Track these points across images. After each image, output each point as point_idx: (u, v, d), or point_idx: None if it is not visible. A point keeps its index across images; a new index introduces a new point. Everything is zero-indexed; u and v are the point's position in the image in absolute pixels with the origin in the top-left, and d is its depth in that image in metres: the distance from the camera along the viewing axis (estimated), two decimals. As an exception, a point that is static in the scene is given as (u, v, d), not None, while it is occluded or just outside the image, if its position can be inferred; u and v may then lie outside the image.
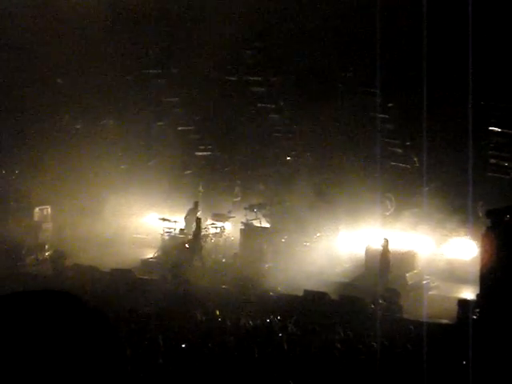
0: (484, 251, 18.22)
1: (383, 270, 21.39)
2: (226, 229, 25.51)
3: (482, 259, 18.18)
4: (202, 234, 24.79)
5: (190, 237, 24.55)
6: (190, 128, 27.54)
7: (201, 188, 26.61)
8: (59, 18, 26.65)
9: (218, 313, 17.77)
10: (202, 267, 23.03)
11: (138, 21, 26.77)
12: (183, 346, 14.07)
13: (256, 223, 24.93)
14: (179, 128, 27.43)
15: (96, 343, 1.95)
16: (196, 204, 25.44)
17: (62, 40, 26.52)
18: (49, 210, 26.83)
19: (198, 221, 24.44)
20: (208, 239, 24.91)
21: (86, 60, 26.93)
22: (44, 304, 1.99)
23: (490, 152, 23.44)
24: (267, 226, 25.04)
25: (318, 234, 23.73)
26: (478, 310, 17.80)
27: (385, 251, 21.65)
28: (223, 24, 24.95)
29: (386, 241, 21.82)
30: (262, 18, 25.33)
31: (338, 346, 15.24)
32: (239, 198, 26.60)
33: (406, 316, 18.77)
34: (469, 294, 20.08)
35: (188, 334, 15.44)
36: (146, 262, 23.87)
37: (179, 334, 15.30)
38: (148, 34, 26.95)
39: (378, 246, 22.84)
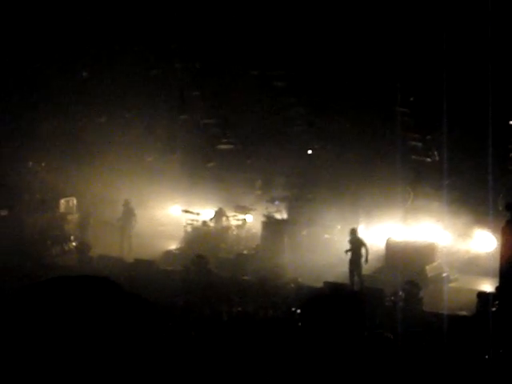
0: (503, 244, 18.30)
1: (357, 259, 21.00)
2: (247, 221, 25.76)
3: (502, 252, 18.26)
4: (224, 225, 25.17)
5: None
6: (212, 122, 27.79)
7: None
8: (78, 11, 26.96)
9: (239, 303, 18.02)
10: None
11: (161, 16, 27.03)
12: (206, 334, 14.33)
13: (277, 216, 25.17)
14: (202, 121, 27.69)
15: (140, 323, 2.17)
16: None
17: (86, 33, 26.85)
18: (74, 201, 27.12)
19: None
20: (230, 231, 25.19)
21: (110, 54, 27.22)
22: (89, 287, 2.20)
23: (511, 146, 23.48)
24: (288, 218, 25.26)
25: (339, 227, 23.89)
26: (497, 303, 17.89)
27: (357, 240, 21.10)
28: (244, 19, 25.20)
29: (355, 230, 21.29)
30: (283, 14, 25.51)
31: (357, 336, 15.42)
32: (261, 191, 26.81)
33: (425, 308, 18.87)
34: (488, 286, 20.19)
35: (210, 323, 15.72)
36: (169, 253, 24.16)
37: (202, 323, 15.57)
38: (171, 29, 27.18)
39: (398, 238, 22.99)
